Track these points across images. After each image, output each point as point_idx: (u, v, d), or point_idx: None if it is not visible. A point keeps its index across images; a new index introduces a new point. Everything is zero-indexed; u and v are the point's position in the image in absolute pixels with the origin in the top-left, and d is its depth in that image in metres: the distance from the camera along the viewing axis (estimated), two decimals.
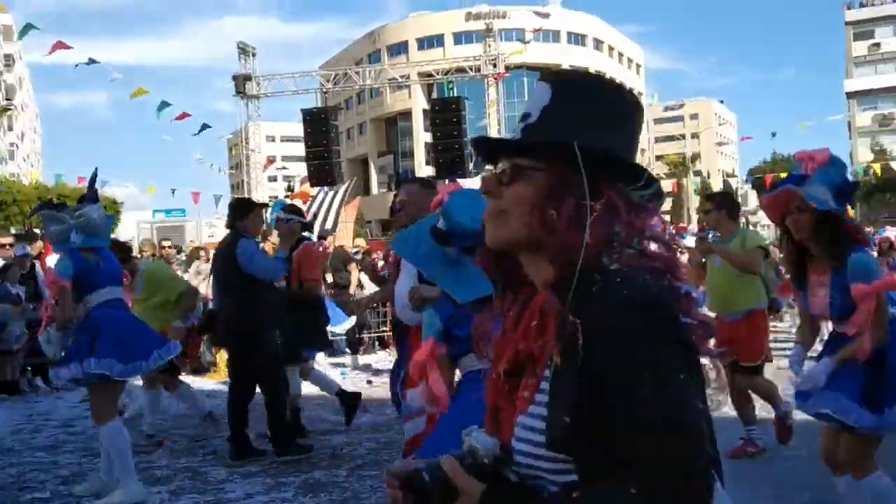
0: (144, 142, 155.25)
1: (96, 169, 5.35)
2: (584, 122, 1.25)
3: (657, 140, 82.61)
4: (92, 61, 17.74)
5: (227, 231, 6.33)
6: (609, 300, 1.14)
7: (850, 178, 3.54)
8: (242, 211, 6.18)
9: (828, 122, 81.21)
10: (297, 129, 29.55)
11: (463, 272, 2.81)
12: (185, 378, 7.98)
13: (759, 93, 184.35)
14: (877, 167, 46.82)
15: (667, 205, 62.47)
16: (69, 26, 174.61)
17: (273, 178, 59.12)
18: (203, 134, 23.08)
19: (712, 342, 1.30)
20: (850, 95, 63.89)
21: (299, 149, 30.23)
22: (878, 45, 63.47)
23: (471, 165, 24.01)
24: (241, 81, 25.68)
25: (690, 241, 10.59)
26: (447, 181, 4.17)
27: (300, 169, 35.22)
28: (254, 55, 25.88)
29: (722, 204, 5.92)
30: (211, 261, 6.04)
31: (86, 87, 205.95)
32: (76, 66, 17.66)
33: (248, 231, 6.11)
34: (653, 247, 1.23)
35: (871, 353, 3.33)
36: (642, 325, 1.12)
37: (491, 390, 1.32)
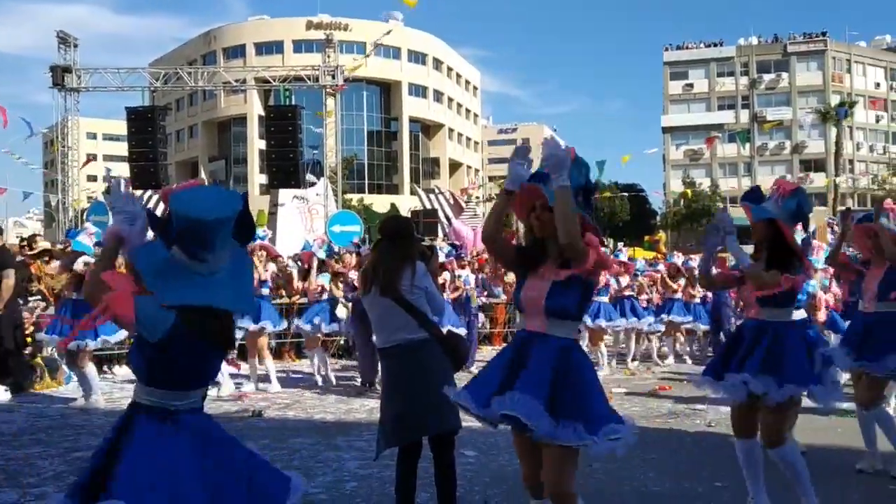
0: None
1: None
2: None
3: (490, 161, 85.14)
4: None
5: None
6: None
7: (591, 180, 3.44)
8: None
9: (646, 155, 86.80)
10: (121, 128, 27.96)
11: (187, 278, 2.64)
12: None
13: (588, 122, 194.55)
14: (689, 192, 50.51)
15: None
16: None
17: (93, 178, 55.58)
18: (14, 126, 21.42)
19: None
20: (665, 130, 68.84)
21: (123, 148, 28.60)
22: (691, 85, 68.88)
23: (306, 174, 23.68)
24: (59, 73, 23.96)
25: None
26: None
27: (123, 170, 33.30)
28: (75, 46, 24.27)
29: None
30: None
31: None
32: None
33: None
34: None
35: (565, 362, 3.26)
36: None
37: None
